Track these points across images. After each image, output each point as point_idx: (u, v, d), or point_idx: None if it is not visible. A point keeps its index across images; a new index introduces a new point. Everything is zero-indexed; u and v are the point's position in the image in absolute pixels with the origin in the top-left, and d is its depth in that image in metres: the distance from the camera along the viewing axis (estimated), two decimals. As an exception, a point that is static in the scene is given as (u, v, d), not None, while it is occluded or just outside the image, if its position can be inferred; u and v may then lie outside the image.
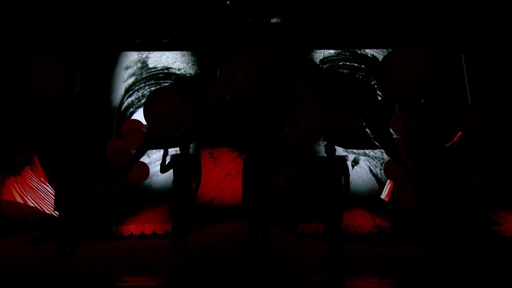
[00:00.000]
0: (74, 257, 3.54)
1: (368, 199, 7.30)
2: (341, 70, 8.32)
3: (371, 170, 7.81)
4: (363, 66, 8.40)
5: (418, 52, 3.16)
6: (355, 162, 7.87)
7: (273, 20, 7.58)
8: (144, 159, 6.91)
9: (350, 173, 4.57)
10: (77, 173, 3.60)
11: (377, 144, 5.22)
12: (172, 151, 4.91)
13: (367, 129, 5.41)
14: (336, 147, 4.70)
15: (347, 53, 8.50)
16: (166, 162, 4.55)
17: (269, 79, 4.87)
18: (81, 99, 3.91)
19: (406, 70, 3.14)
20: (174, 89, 3.93)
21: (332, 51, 8.50)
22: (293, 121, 3.89)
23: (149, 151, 7.64)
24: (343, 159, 4.55)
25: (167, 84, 8.18)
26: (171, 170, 4.64)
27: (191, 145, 5.42)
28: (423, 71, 3.11)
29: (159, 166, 4.47)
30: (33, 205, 5.99)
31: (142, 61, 8.54)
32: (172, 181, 4.57)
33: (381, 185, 7.49)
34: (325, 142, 4.65)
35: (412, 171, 3.64)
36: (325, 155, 4.62)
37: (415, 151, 3.50)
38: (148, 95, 3.79)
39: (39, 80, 3.49)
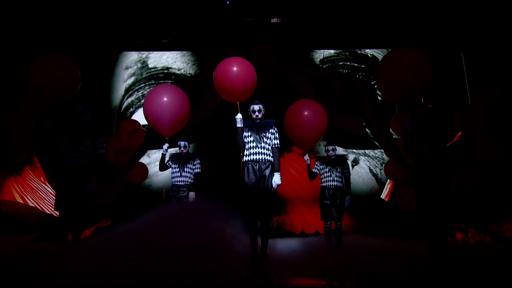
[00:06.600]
0: (74, 259, 3.53)
1: (368, 199, 7.30)
2: (341, 70, 8.31)
3: (371, 170, 7.80)
4: (363, 66, 8.40)
5: (417, 52, 3.15)
6: (355, 162, 7.86)
7: (273, 20, 7.57)
8: (144, 159, 6.91)
9: (350, 173, 4.58)
10: (78, 173, 3.59)
11: (377, 144, 5.22)
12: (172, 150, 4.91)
13: (367, 129, 5.41)
14: (336, 147, 4.70)
15: (347, 53, 8.50)
16: (166, 161, 4.56)
17: (269, 79, 4.87)
18: (82, 98, 3.90)
19: (406, 70, 3.14)
20: (174, 86, 3.90)
21: (332, 51, 8.49)
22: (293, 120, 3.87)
23: (149, 151, 7.64)
24: (344, 158, 4.55)
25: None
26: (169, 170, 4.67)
27: (190, 145, 5.41)
28: (423, 71, 3.11)
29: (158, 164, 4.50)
30: (33, 205, 5.98)
31: (142, 61, 8.54)
32: (171, 181, 4.59)
33: (381, 185, 7.49)
34: (325, 142, 4.65)
35: (412, 171, 3.64)
36: (325, 154, 4.62)
37: (413, 151, 3.50)
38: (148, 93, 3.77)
39: (41, 77, 3.49)
